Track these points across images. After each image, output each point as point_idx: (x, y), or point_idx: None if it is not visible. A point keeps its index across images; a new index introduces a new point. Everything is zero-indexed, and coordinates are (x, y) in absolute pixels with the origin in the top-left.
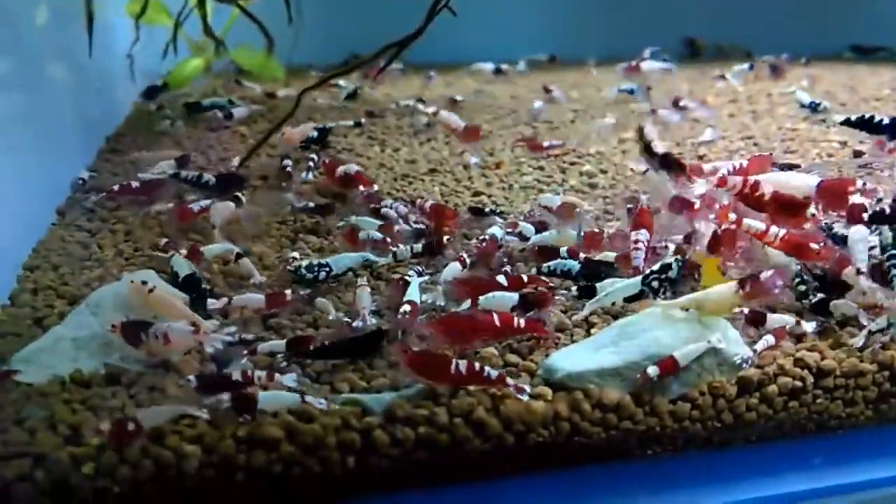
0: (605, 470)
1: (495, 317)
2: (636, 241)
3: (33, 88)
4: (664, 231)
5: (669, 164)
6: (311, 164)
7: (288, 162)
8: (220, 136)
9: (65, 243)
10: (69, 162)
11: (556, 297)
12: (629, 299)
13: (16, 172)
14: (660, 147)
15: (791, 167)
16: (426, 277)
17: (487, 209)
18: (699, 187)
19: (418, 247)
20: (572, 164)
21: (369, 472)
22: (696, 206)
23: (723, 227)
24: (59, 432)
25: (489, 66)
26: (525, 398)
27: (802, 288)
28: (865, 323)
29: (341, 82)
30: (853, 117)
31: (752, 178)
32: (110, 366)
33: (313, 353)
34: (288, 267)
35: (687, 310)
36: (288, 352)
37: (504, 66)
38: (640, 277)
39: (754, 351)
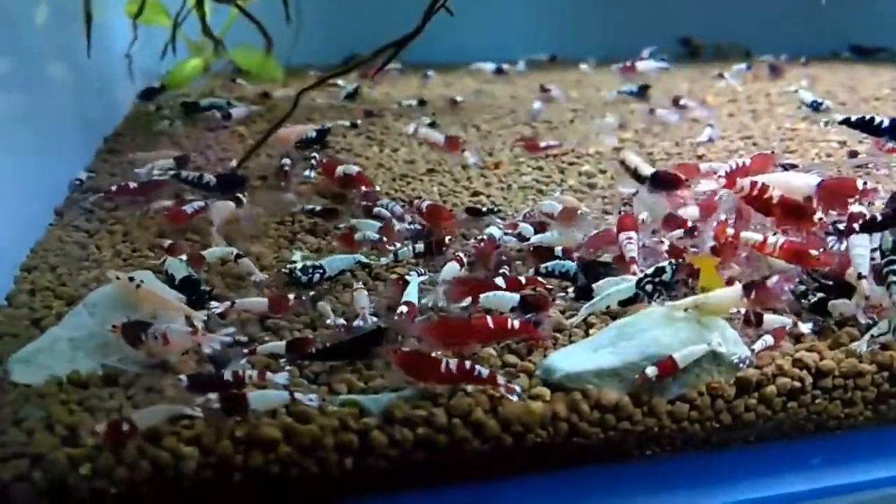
0: (603, 470)
1: (489, 320)
2: (628, 238)
3: (32, 88)
4: (655, 254)
5: (661, 181)
6: (313, 162)
7: (287, 161)
8: (219, 136)
9: (62, 244)
10: (68, 162)
11: (555, 299)
12: (624, 303)
13: (14, 172)
14: (646, 168)
15: (791, 167)
16: (426, 277)
17: (484, 209)
18: (705, 185)
19: (420, 247)
20: (571, 164)
21: (367, 473)
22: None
23: (720, 241)
24: (57, 433)
25: (489, 66)
26: (515, 398)
27: (801, 288)
28: (863, 321)
29: (340, 82)
30: (853, 117)
31: (760, 182)
32: (108, 367)
33: (317, 356)
34: (283, 270)
35: (686, 310)
36: (289, 354)
37: (505, 66)
38: (634, 281)
39: (752, 350)
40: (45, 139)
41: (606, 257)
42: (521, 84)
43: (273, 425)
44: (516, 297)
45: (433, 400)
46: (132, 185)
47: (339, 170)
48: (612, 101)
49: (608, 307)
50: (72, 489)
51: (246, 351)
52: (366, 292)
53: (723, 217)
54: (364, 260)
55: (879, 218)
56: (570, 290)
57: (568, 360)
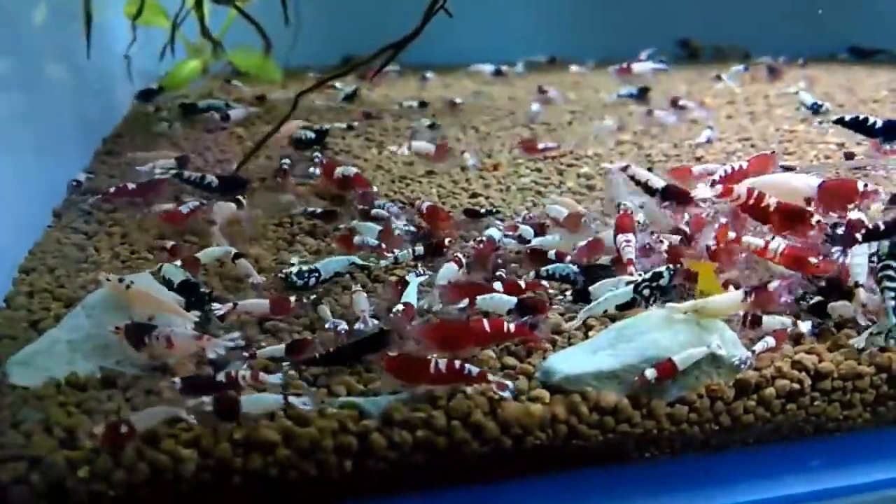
0: (602, 473)
1: (485, 323)
2: (626, 241)
3: (31, 89)
4: (653, 254)
5: (671, 195)
6: (315, 160)
7: (287, 161)
8: (217, 137)
9: (61, 245)
10: (66, 163)
11: (554, 302)
12: (621, 307)
13: (13, 173)
14: (657, 181)
15: (789, 169)
16: (425, 278)
17: (482, 211)
18: (700, 192)
19: (419, 249)
20: (570, 165)
21: (367, 476)
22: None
23: (719, 244)
24: (55, 435)
25: (488, 68)
26: (507, 394)
27: (800, 291)
28: (862, 322)
29: (337, 84)
30: (847, 117)
31: (756, 190)
32: (106, 369)
33: (320, 360)
34: (279, 274)
35: (686, 313)
36: (289, 357)
37: (504, 68)
38: (631, 286)
39: (753, 352)
40: (43, 140)
41: (605, 259)
42: (519, 86)
43: (272, 428)
44: (513, 299)
45: (432, 402)
46: (130, 186)
47: (338, 171)
48: (610, 102)
49: (605, 311)
50: (70, 492)
51: (246, 355)
52: (365, 295)
53: (724, 220)
54: (359, 261)
55: (882, 227)
56: (569, 292)
57: (567, 362)
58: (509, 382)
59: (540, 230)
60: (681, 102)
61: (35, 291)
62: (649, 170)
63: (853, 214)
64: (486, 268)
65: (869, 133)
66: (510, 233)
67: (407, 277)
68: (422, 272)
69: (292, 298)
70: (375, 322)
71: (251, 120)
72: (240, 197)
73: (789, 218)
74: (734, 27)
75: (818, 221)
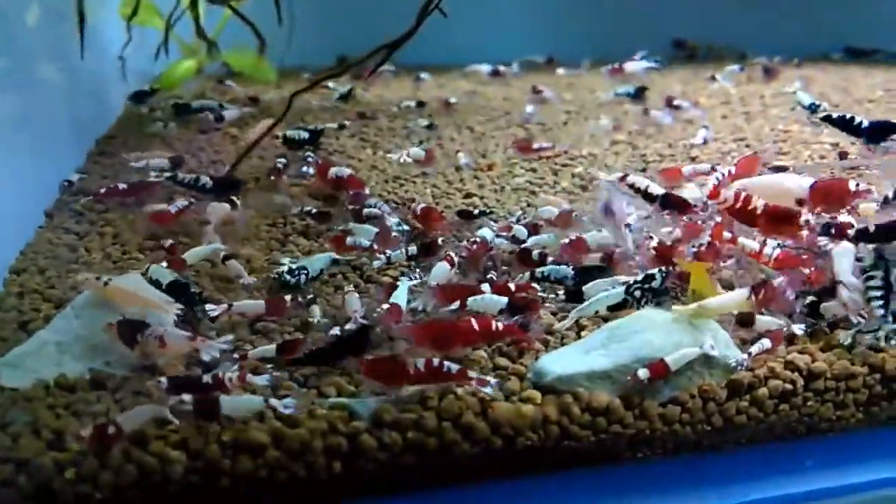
0: (594, 474)
1: (473, 322)
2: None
3: (24, 90)
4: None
5: (671, 203)
6: (309, 160)
7: (281, 161)
8: (211, 138)
9: (52, 246)
10: (59, 164)
11: (547, 302)
12: (613, 308)
13: (5, 174)
14: (656, 189)
15: (781, 169)
16: (417, 281)
17: (476, 212)
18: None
19: (413, 249)
20: (564, 165)
21: (357, 477)
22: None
23: (707, 243)
24: (43, 437)
25: (485, 68)
26: (489, 390)
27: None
28: (854, 320)
29: (331, 84)
30: (835, 115)
31: (743, 193)
32: (95, 370)
33: (304, 360)
34: (272, 274)
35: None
36: (280, 356)
37: (501, 68)
38: (623, 287)
39: (749, 354)
40: (36, 141)
41: (594, 259)
42: (516, 86)
43: (261, 429)
44: (504, 300)
45: (423, 403)
46: (122, 186)
47: (332, 171)
48: (606, 102)
49: (597, 312)
50: (57, 494)
51: (237, 356)
52: (357, 295)
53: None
54: (338, 258)
55: (872, 229)
56: (561, 292)
57: (559, 362)
58: (491, 379)
59: (534, 230)
60: (675, 102)
61: (25, 292)
62: (643, 170)
63: (842, 217)
64: (479, 268)
65: (855, 133)
66: (504, 233)
67: (399, 280)
68: (414, 276)
69: (288, 298)
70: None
71: (245, 120)
72: (234, 197)
73: (777, 220)
74: (730, 27)
75: (807, 221)
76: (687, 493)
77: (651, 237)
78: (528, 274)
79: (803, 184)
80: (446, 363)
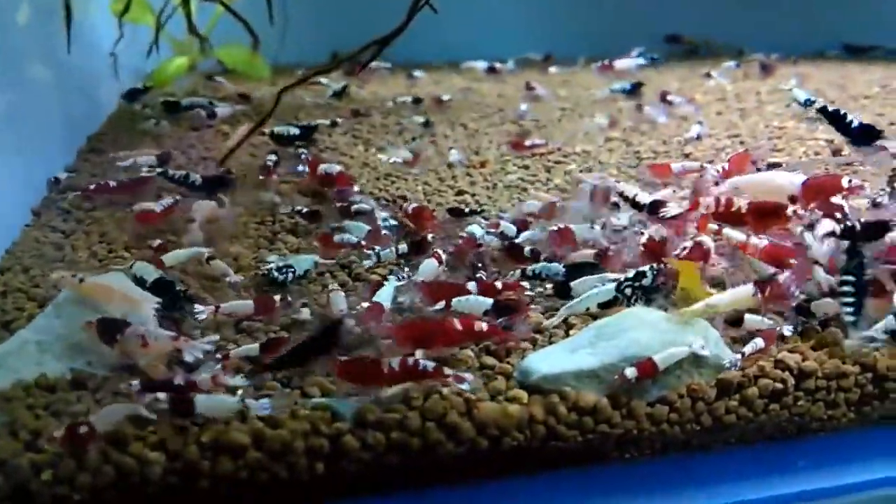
0: (581, 474)
1: (456, 322)
2: None
3: (14, 87)
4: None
5: (658, 210)
6: (302, 157)
7: (272, 158)
8: (203, 135)
9: (39, 244)
10: (49, 161)
11: (536, 300)
12: (603, 305)
13: None
14: (644, 196)
15: (775, 166)
16: (405, 282)
17: (467, 209)
18: (672, 209)
19: (403, 247)
20: (557, 162)
21: (339, 478)
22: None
23: (694, 241)
24: (20, 438)
25: (481, 65)
26: (466, 387)
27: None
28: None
29: (324, 80)
30: (830, 108)
31: (724, 196)
32: (76, 370)
33: (275, 365)
34: (259, 272)
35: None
36: (262, 354)
37: (497, 65)
38: (614, 284)
39: (742, 354)
40: (25, 139)
41: (587, 255)
42: (511, 83)
43: (241, 430)
44: (489, 301)
45: (407, 403)
46: (112, 183)
47: (321, 168)
48: (601, 99)
49: (588, 308)
50: (34, 495)
51: (220, 356)
52: (342, 294)
53: (703, 210)
54: (319, 260)
55: (858, 228)
56: (550, 286)
57: (546, 361)
58: (467, 375)
59: (522, 227)
60: (668, 97)
61: (9, 291)
62: (637, 163)
63: (825, 226)
64: (466, 265)
65: (844, 132)
66: (493, 230)
67: (386, 279)
68: (402, 276)
69: (277, 298)
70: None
71: (237, 117)
72: (221, 195)
73: (764, 215)
74: (729, 25)
75: (794, 212)
76: (675, 494)
77: (641, 234)
78: (519, 271)
79: (795, 180)
80: (422, 362)
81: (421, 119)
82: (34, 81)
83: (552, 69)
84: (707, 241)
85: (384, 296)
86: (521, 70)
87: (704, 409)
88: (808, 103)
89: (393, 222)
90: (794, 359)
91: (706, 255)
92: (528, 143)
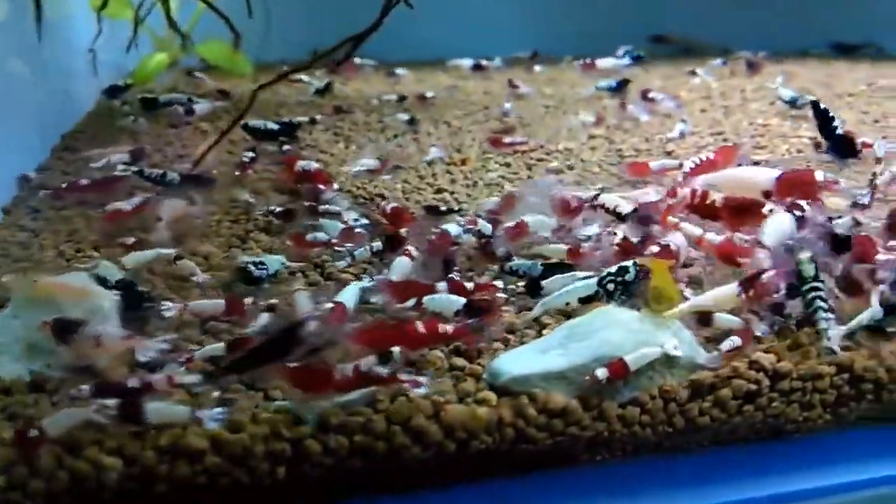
0: (551, 477)
1: (419, 325)
2: None
3: None
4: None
5: (640, 219)
6: (285, 153)
7: (249, 155)
8: (181, 132)
9: (6, 244)
10: (21, 159)
11: (510, 300)
12: (584, 300)
13: None
14: (625, 207)
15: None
16: (373, 283)
17: (444, 208)
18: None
19: (377, 245)
20: (539, 160)
21: (302, 482)
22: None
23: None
24: None
25: (467, 62)
26: (422, 391)
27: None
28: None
29: (305, 77)
30: (822, 106)
31: (700, 189)
32: (35, 372)
33: (230, 367)
34: (237, 265)
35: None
36: (229, 354)
37: (484, 62)
38: (595, 279)
39: (719, 351)
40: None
41: (557, 251)
42: (498, 80)
43: (200, 435)
44: (461, 300)
45: (373, 406)
46: (83, 182)
47: (299, 165)
48: (587, 97)
49: (567, 303)
50: None
51: (184, 359)
52: (306, 294)
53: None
54: (286, 262)
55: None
56: (522, 284)
57: (516, 362)
58: (423, 379)
59: (496, 226)
60: (650, 95)
61: None
62: (619, 161)
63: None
64: (441, 263)
65: (826, 134)
66: (471, 227)
67: (360, 278)
68: (370, 278)
69: (248, 300)
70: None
71: (217, 114)
72: (193, 193)
73: (739, 212)
74: (718, 24)
75: (770, 210)
76: (648, 497)
77: (615, 234)
78: (497, 268)
79: (770, 175)
80: (375, 368)
81: (404, 117)
82: (6, 78)
83: (538, 67)
84: (676, 240)
85: (347, 296)
86: (509, 68)
87: (677, 410)
88: (793, 101)
89: (365, 221)
90: (769, 359)
91: (674, 255)
92: (506, 140)
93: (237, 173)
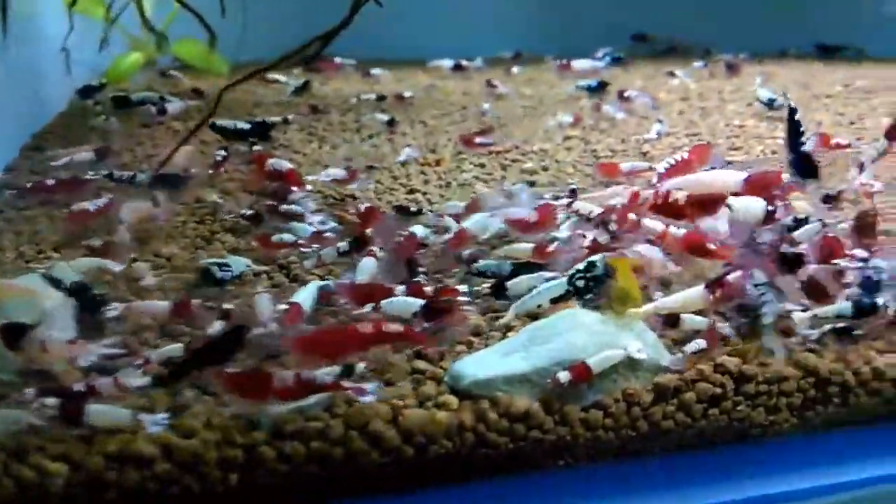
0: (513, 482)
1: (364, 326)
2: None
3: None
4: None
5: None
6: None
7: (221, 153)
8: (153, 131)
9: None
10: None
11: (475, 301)
12: (556, 300)
13: None
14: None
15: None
16: (331, 284)
17: (414, 208)
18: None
19: (344, 245)
20: (514, 161)
21: (255, 490)
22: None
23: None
24: None
25: (448, 63)
26: (369, 399)
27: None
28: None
29: (281, 77)
30: (797, 116)
31: (662, 189)
32: None
33: (173, 371)
34: (200, 266)
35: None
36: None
37: (464, 62)
38: (565, 278)
39: (683, 353)
40: None
41: (524, 250)
42: (477, 81)
43: (149, 440)
44: (419, 302)
45: (329, 410)
46: (49, 182)
47: (269, 163)
48: (566, 97)
49: (539, 305)
50: None
51: (140, 362)
52: (267, 296)
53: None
54: (252, 265)
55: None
56: (487, 285)
57: (477, 365)
58: (369, 386)
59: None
60: (626, 95)
61: None
62: (594, 162)
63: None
64: (406, 265)
65: (791, 148)
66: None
67: (325, 279)
68: (329, 279)
69: (197, 301)
70: (275, 327)
71: (190, 114)
72: (160, 193)
73: (703, 205)
74: (698, 25)
75: (728, 206)
76: (611, 502)
77: (584, 236)
78: (462, 270)
79: (737, 177)
80: (318, 375)
81: (381, 116)
82: None
83: (517, 68)
84: (651, 252)
85: (304, 296)
86: (489, 68)
87: (640, 414)
88: (770, 102)
89: (334, 223)
90: (734, 362)
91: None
92: (477, 140)
93: (210, 173)
